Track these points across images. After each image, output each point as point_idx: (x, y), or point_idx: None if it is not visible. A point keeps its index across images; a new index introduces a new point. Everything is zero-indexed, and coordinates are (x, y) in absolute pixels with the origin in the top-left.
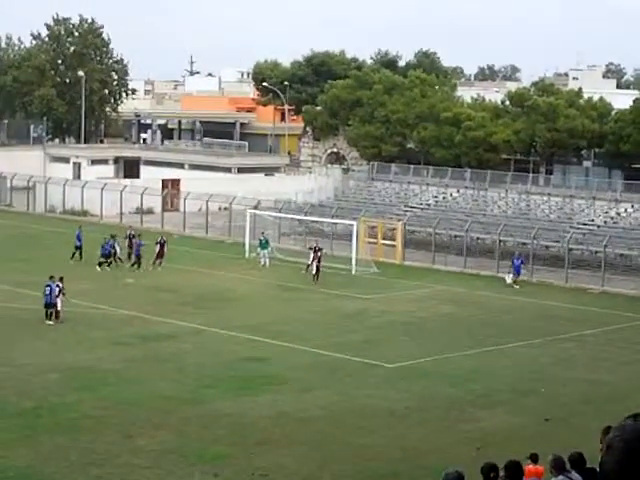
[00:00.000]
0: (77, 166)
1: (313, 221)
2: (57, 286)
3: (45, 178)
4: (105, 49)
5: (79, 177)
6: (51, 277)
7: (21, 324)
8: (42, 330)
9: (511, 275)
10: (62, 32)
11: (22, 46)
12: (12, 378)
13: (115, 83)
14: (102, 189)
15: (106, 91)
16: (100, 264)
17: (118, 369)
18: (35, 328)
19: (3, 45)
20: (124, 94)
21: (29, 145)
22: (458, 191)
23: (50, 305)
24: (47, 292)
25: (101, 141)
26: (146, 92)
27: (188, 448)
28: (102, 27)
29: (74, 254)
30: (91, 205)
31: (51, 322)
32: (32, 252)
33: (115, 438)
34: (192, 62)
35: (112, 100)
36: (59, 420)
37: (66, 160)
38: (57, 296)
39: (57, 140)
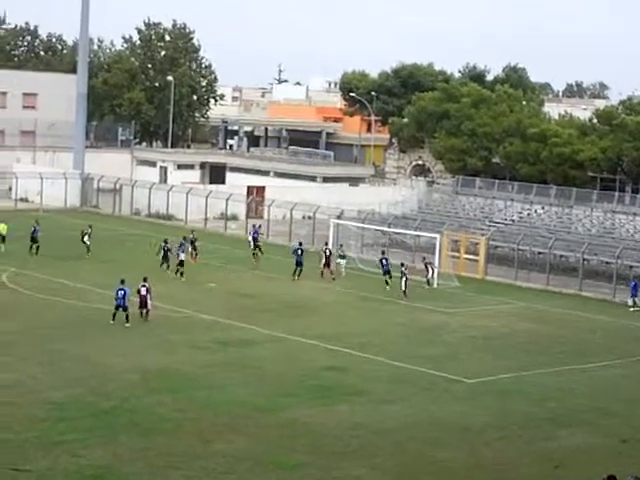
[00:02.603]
0: (163, 170)
1: (396, 233)
2: (144, 287)
3: (132, 181)
4: (195, 54)
5: (165, 181)
6: (122, 281)
7: (102, 325)
8: (124, 331)
9: (634, 298)
10: (153, 36)
11: (113, 49)
12: (92, 378)
13: (204, 89)
14: (187, 194)
15: (195, 96)
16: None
17: (197, 373)
18: (116, 329)
19: (95, 48)
20: (212, 100)
21: (117, 148)
22: (543, 208)
23: (122, 307)
24: (120, 295)
25: (188, 146)
26: (234, 99)
27: (265, 455)
28: (193, 32)
29: (162, 262)
30: (176, 209)
31: (112, 322)
32: (117, 254)
33: (193, 442)
34: (280, 70)
35: (200, 105)
36: (138, 421)
37: (153, 164)
38: (145, 296)
39: (144, 144)
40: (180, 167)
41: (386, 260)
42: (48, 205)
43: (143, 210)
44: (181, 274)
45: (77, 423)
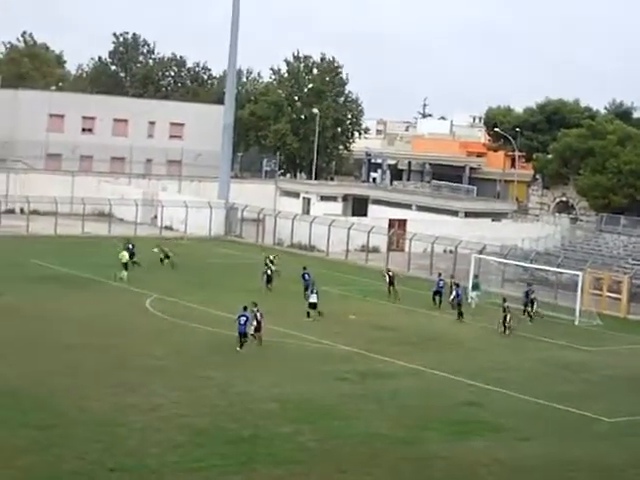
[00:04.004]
0: (306, 201)
1: (538, 269)
2: (258, 312)
3: (275, 211)
4: (341, 88)
5: (308, 212)
6: (245, 308)
7: (241, 353)
8: (263, 360)
9: None
10: (301, 69)
11: (261, 81)
12: (231, 405)
13: (349, 122)
14: (330, 225)
15: (339, 129)
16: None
17: (335, 404)
18: (255, 357)
19: (243, 79)
20: (357, 133)
21: (261, 178)
22: None
23: (244, 334)
24: (242, 322)
25: (331, 178)
26: (378, 132)
27: None
28: (341, 67)
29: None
30: (318, 240)
31: (239, 350)
32: (258, 283)
33: (329, 472)
34: (425, 104)
35: (345, 138)
36: (275, 450)
37: (296, 195)
38: (260, 321)
39: (289, 175)
40: (323, 199)
41: (528, 293)
42: (192, 233)
43: (285, 240)
44: (307, 314)
45: (215, 450)
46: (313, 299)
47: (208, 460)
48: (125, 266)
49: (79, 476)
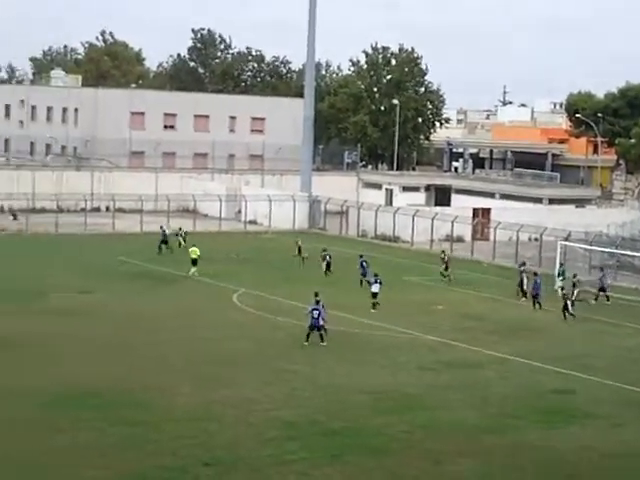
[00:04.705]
0: (389, 192)
1: (624, 254)
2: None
3: (358, 203)
4: (421, 79)
5: (391, 203)
6: (317, 301)
7: (328, 346)
8: (349, 352)
9: None
10: (380, 60)
11: (340, 73)
12: (321, 398)
13: (429, 112)
14: (413, 216)
15: (420, 119)
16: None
17: (423, 394)
18: (342, 349)
19: (322, 72)
20: (437, 123)
21: (343, 171)
22: None
23: (316, 327)
24: (315, 315)
25: (413, 169)
26: (458, 121)
27: (493, 477)
28: (420, 57)
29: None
30: (402, 231)
31: (306, 343)
32: (342, 275)
33: (422, 463)
34: (505, 92)
35: (425, 128)
36: (366, 442)
37: (378, 186)
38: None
39: (370, 166)
40: (405, 189)
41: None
42: (276, 227)
43: (369, 232)
44: (373, 306)
45: (307, 442)
46: (375, 289)
47: (300, 453)
48: (194, 262)
49: (173, 472)
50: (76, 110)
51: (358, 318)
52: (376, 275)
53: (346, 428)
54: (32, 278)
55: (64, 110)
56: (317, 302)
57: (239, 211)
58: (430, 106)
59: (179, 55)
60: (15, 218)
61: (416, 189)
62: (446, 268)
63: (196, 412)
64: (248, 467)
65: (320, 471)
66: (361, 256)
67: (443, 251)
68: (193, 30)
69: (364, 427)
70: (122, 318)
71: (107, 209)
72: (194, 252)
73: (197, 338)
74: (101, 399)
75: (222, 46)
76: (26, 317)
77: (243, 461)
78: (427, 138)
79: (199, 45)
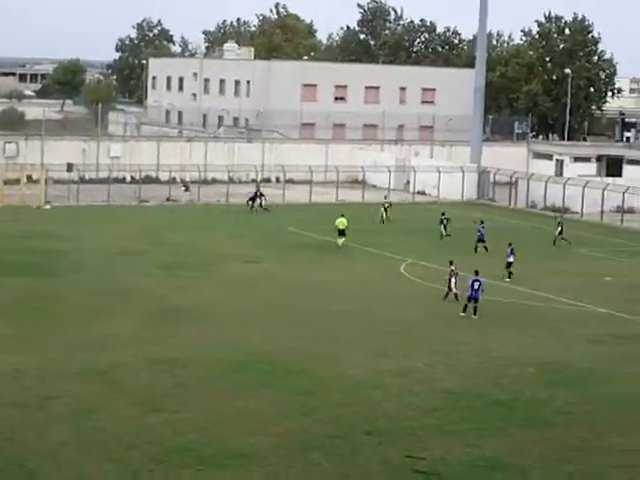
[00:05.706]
0: (559, 163)
1: None
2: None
3: (527, 174)
4: (594, 47)
5: (561, 174)
6: (477, 272)
7: (496, 317)
8: (517, 323)
9: None
10: (552, 30)
11: (511, 43)
12: (487, 369)
13: (602, 82)
14: (584, 187)
15: (592, 89)
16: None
17: (593, 367)
18: (509, 320)
19: (493, 42)
20: (610, 93)
21: (513, 141)
22: None
23: (474, 299)
24: (476, 287)
25: (584, 139)
26: (631, 90)
27: None
28: (592, 25)
29: (476, 248)
30: (572, 202)
31: (463, 314)
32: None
33: (586, 435)
34: None
35: (597, 98)
36: (532, 414)
37: (549, 157)
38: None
39: (540, 137)
40: (576, 160)
41: None
42: (445, 198)
43: (539, 203)
44: (509, 275)
45: (471, 413)
46: (511, 259)
47: (464, 424)
48: (341, 232)
49: (336, 439)
50: (248, 82)
51: (529, 290)
52: (510, 245)
53: (512, 400)
54: (203, 249)
55: (236, 83)
56: (476, 273)
57: (408, 182)
58: (602, 75)
59: (348, 27)
60: (187, 189)
61: (587, 159)
62: (560, 232)
63: (361, 382)
64: (410, 436)
65: (484, 442)
66: (482, 222)
67: (559, 217)
68: (358, 4)
69: (530, 399)
70: (290, 287)
71: (277, 180)
72: (341, 223)
73: (365, 308)
74: (269, 367)
75: (392, 17)
76: (200, 288)
77: (405, 430)
78: (599, 108)
79: (369, 16)
